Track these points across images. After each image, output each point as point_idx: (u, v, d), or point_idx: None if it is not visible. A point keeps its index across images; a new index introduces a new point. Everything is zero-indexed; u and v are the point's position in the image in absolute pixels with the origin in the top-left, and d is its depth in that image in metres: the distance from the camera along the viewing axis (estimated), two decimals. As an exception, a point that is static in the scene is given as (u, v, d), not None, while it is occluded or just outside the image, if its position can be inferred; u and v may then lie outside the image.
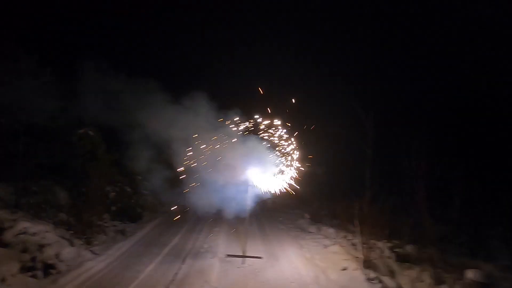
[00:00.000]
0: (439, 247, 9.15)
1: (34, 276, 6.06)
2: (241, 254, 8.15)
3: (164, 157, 9.50)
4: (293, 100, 8.29)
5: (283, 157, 9.24)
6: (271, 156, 9.12)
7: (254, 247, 9.01)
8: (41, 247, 6.68)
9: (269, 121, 8.93)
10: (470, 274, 6.31)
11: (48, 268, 6.42)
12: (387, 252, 8.82)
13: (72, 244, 7.72)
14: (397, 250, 8.89)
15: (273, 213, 14.71)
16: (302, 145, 9.59)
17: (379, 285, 6.34)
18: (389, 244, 9.23)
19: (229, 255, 8.28)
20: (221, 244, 9.40)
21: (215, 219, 12.32)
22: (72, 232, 8.25)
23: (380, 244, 9.26)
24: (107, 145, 10.68)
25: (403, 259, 8.69)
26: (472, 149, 11.37)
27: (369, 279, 6.58)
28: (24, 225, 6.91)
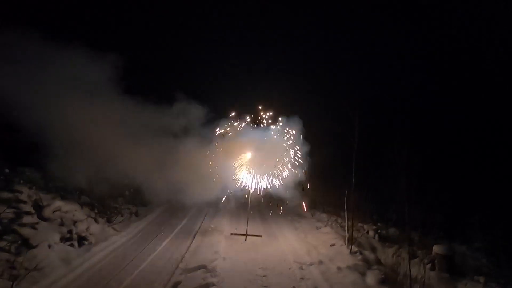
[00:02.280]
0: (420, 231, 10.38)
1: (71, 245, 7.17)
2: (243, 233, 9.37)
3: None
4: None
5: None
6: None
7: (255, 228, 10.22)
8: (74, 222, 7.83)
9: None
10: (436, 248, 7.49)
11: (81, 240, 7.59)
12: (371, 233, 10.02)
13: (97, 222, 8.87)
14: (380, 231, 10.10)
15: (271, 201, 15.91)
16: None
17: (360, 256, 7.53)
18: (374, 227, 10.43)
19: (233, 234, 9.49)
20: (225, 225, 10.59)
21: (219, 205, 13.63)
22: (96, 211, 9.38)
23: (366, 226, 10.48)
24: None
25: (385, 239, 9.91)
26: (453, 142, 12.50)
27: (352, 252, 7.77)
28: (58, 204, 8.01)
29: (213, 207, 13.50)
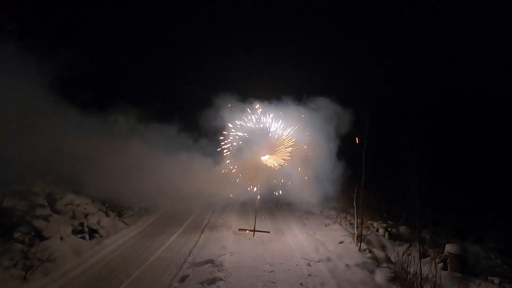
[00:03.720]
0: (431, 230, 10.15)
1: (83, 238, 7.33)
2: (251, 229, 9.37)
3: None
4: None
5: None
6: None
7: (263, 224, 10.19)
8: (86, 215, 8.00)
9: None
10: (449, 247, 7.32)
11: (92, 232, 7.74)
12: (381, 231, 9.87)
13: (107, 215, 9.07)
14: (390, 229, 9.93)
15: (280, 197, 15.84)
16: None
17: (369, 254, 7.42)
18: (384, 225, 10.28)
19: (241, 229, 9.51)
20: (234, 221, 10.61)
21: (228, 200, 13.70)
22: (106, 205, 9.53)
23: (375, 224, 10.34)
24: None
25: (395, 238, 9.75)
26: (467, 140, 12.16)
27: (361, 250, 7.67)
28: (70, 197, 8.19)
29: (222, 204, 13.56)
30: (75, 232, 7.33)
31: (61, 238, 6.72)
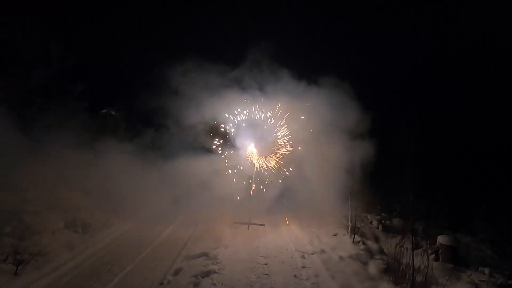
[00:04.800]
0: (425, 222, 10.27)
1: (75, 232, 7.28)
2: (246, 222, 9.38)
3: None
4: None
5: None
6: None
7: (258, 217, 10.19)
8: (78, 209, 7.92)
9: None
10: (441, 239, 7.41)
11: (85, 226, 7.68)
12: (375, 223, 9.96)
13: (101, 208, 8.99)
14: (384, 221, 10.03)
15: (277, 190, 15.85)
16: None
17: (363, 246, 7.49)
18: (377, 217, 10.37)
19: (236, 222, 9.51)
20: (229, 214, 10.58)
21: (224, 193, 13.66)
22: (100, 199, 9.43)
23: (369, 216, 10.42)
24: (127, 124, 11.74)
25: (388, 230, 9.84)
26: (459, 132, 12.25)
27: (355, 242, 7.73)
28: (62, 191, 8.10)
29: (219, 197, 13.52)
30: (67, 226, 7.27)
31: (53, 232, 6.67)
